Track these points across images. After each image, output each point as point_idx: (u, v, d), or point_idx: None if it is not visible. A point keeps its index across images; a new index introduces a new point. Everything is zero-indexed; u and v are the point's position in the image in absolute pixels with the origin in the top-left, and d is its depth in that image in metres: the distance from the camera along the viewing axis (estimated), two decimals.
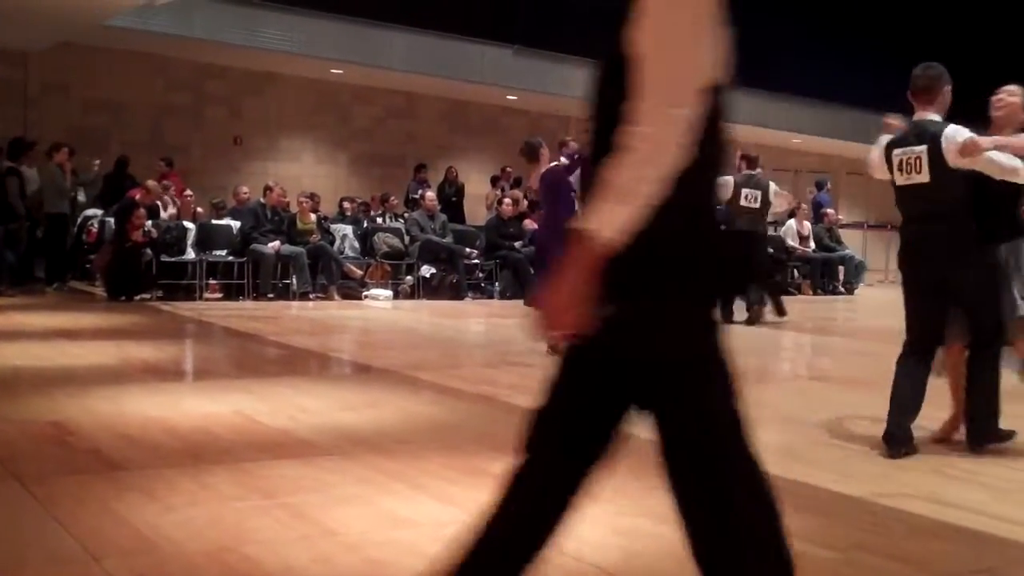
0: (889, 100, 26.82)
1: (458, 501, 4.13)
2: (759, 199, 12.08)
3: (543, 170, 9.30)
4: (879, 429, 5.90)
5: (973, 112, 5.70)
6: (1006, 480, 4.78)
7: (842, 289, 19.17)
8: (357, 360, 9.17)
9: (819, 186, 21.83)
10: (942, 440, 5.59)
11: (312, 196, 15.82)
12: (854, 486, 4.54)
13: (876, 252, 23.66)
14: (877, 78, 25.48)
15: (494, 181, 20.27)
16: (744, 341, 10.85)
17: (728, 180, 12.00)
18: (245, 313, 12.63)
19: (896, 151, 5.53)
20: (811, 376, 8.96)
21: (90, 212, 15.78)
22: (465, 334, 12.16)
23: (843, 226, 20.91)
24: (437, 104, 22.71)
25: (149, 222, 14.17)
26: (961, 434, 5.51)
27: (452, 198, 19.74)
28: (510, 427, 6.16)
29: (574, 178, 9.18)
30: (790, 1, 24.89)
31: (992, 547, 3.81)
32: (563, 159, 9.71)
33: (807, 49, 24.90)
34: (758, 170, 12.56)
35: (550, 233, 9.03)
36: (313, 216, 15.51)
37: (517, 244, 16.00)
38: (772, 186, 12.50)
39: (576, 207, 9.26)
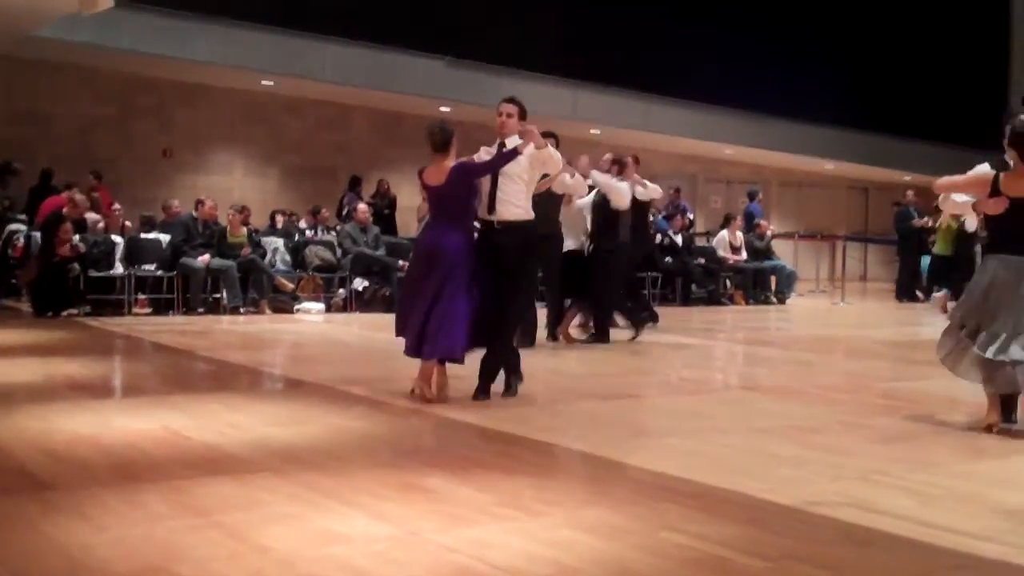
0: (822, 111, 27.06)
1: (390, 517, 4.11)
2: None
3: (453, 163, 7.60)
4: (809, 437, 5.97)
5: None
6: (935, 487, 4.84)
7: (774, 299, 19.33)
8: (289, 375, 9.09)
9: (751, 196, 22.04)
10: None
11: (242, 209, 15.66)
12: (784, 494, 4.58)
13: (807, 262, 23.95)
14: (809, 90, 25.86)
15: None
16: (676, 351, 10.91)
17: (624, 187, 10.98)
18: (175, 328, 12.48)
19: None
20: (743, 386, 9.02)
21: (15, 227, 15.50)
22: (397, 347, 12.09)
23: (775, 236, 21.09)
24: (369, 116, 22.64)
25: (76, 236, 13.96)
26: None
27: (384, 210, 19.67)
28: (442, 441, 6.15)
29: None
30: (721, 11, 25.16)
31: (923, 554, 3.86)
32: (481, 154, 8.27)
33: (738, 60, 25.17)
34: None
35: (458, 241, 7.29)
36: (244, 229, 15.35)
37: None
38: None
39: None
